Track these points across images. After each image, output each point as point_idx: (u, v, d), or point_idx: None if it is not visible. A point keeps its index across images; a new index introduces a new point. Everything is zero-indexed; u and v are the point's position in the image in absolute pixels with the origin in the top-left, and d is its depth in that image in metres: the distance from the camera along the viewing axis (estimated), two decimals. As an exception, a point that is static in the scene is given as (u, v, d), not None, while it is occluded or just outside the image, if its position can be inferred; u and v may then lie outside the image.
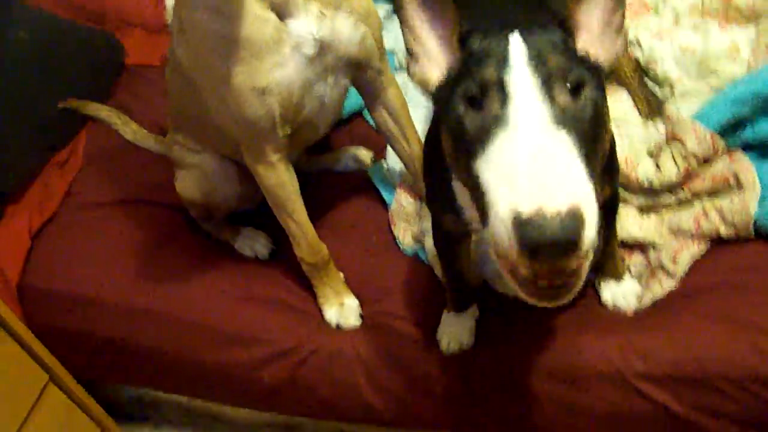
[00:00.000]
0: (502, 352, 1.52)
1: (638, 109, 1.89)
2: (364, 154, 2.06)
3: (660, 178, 1.60)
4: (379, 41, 1.57)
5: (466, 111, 0.91)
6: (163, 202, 2.01)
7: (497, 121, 0.85)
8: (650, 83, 1.92)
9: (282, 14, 1.38)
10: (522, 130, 0.82)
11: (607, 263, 1.52)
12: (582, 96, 0.88)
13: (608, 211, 1.41)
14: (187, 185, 1.82)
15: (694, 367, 1.37)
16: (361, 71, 1.58)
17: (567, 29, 0.97)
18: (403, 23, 1.02)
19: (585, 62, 0.96)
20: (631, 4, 2.09)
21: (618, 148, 1.67)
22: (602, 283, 1.55)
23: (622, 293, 1.53)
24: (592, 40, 0.99)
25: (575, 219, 0.75)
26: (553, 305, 0.85)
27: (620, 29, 0.99)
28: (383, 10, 2.29)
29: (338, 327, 1.67)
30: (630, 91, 1.92)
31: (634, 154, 1.67)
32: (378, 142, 2.02)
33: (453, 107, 0.93)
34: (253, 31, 1.35)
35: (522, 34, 0.92)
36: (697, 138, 1.57)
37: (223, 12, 1.34)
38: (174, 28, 1.51)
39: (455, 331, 1.55)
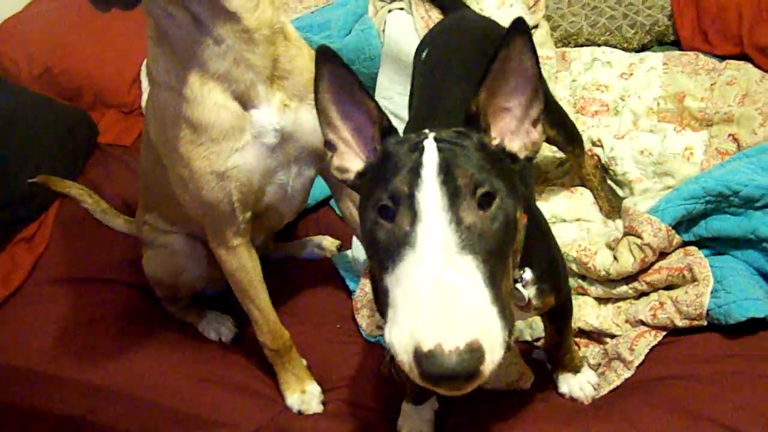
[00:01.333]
0: (462, 442, 1.52)
1: (600, 207, 1.96)
2: (330, 243, 2.10)
3: (617, 268, 1.64)
4: None
5: (378, 221, 0.92)
6: (129, 282, 2.02)
7: (406, 239, 0.87)
8: (611, 183, 1.99)
9: (245, 103, 1.41)
10: (428, 257, 0.84)
11: (563, 358, 1.54)
12: (492, 207, 0.90)
13: (558, 317, 1.44)
14: (154, 265, 1.83)
15: (650, 459, 1.38)
16: (326, 163, 1.61)
17: (479, 126, 1.00)
18: (319, 113, 1.04)
19: (500, 159, 0.99)
20: (591, 104, 2.18)
21: (576, 241, 1.72)
22: (559, 376, 1.58)
23: (579, 385, 1.55)
24: (507, 132, 1.02)
25: (474, 353, 0.77)
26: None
27: (537, 121, 1.01)
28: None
29: (300, 413, 1.66)
30: (592, 190, 1.99)
31: (592, 245, 1.72)
32: (344, 231, 2.07)
33: (367, 214, 0.94)
34: (213, 117, 1.38)
35: (437, 140, 0.95)
36: (653, 231, 1.62)
37: (186, 96, 1.37)
38: (148, 107, 1.55)
39: (415, 423, 1.54)
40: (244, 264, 1.57)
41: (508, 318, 0.85)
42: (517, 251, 0.97)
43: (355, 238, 1.94)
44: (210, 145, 1.40)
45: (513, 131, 1.02)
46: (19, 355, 1.85)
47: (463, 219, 0.87)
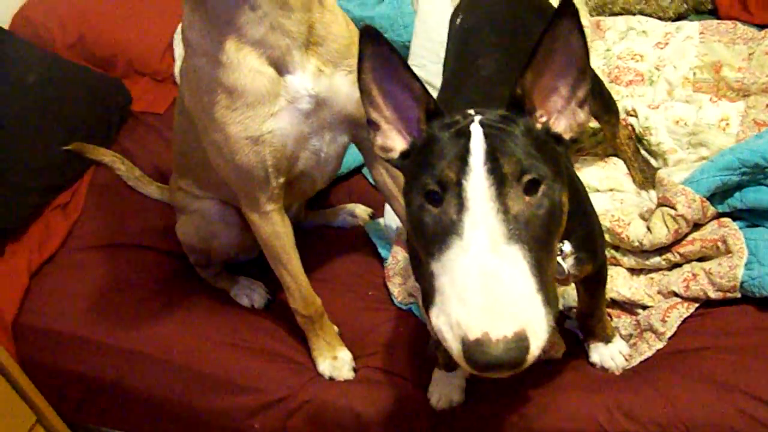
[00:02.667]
0: (491, 410, 1.53)
1: (633, 177, 1.94)
2: (362, 210, 2.10)
3: (650, 239, 1.63)
4: None
5: (425, 206, 0.92)
6: (163, 248, 2.05)
7: (453, 228, 0.88)
8: (645, 153, 1.97)
9: (280, 69, 1.42)
10: (475, 247, 0.85)
11: (595, 327, 1.55)
12: (538, 193, 0.90)
13: (594, 283, 1.43)
14: (187, 231, 1.84)
15: (680, 429, 1.38)
16: (360, 129, 1.60)
17: (525, 108, 0.99)
18: (363, 93, 1.04)
19: (546, 143, 0.98)
20: (626, 73, 2.15)
21: (610, 211, 1.71)
22: (591, 345, 1.58)
23: (610, 355, 1.56)
24: (554, 113, 1.01)
25: (520, 343, 0.79)
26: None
27: (584, 102, 1.01)
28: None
29: (331, 379, 1.68)
30: (625, 160, 1.98)
31: (625, 215, 1.71)
32: (376, 199, 2.06)
33: (413, 197, 0.95)
34: (248, 82, 1.39)
35: (483, 125, 0.94)
36: (687, 202, 1.61)
37: (221, 61, 1.38)
38: (183, 71, 1.56)
39: (445, 389, 1.56)
40: (277, 230, 1.58)
41: (552, 303, 0.86)
42: (560, 234, 0.98)
43: (387, 206, 1.94)
44: (245, 110, 1.41)
45: (559, 112, 1.01)
46: (54, 319, 1.88)
47: (510, 208, 0.88)
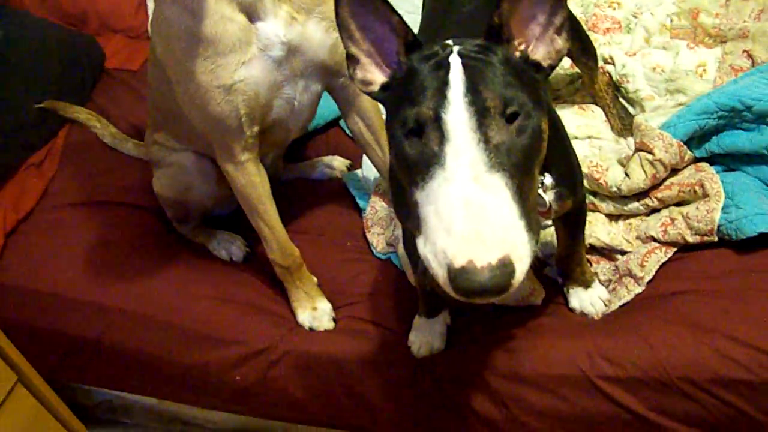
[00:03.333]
0: (472, 356, 1.54)
1: (611, 125, 1.94)
2: (340, 162, 2.09)
3: (628, 184, 1.64)
4: None
5: (407, 138, 0.93)
6: (140, 205, 2.03)
7: (436, 158, 0.89)
8: (623, 101, 1.97)
9: (251, 16, 1.40)
10: (458, 177, 0.86)
11: (574, 271, 1.56)
12: (519, 121, 0.91)
13: (573, 222, 1.45)
14: (164, 184, 1.83)
15: (659, 371, 1.39)
16: (334, 78, 1.60)
17: (503, 37, 0.99)
18: (340, 27, 1.04)
19: (524, 71, 0.99)
20: (603, 21, 2.14)
21: (588, 157, 1.71)
22: (570, 290, 1.59)
23: (589, 300, 1.57)
24: (531, 41, 1.02)
25: (504, 268, 0.81)
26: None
27: (561, 29, 1.01)
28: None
29: (311, 330, 1.68)
30: (603, 107, 1.97)
31: (604, 161, 1.71)
32: (354, 151, 2.06)
33: (395, 130, 0.96)
34: (219, 30, 1.37)
35: (462, 56, 0.95)
36: (665, 146, 1.61)
37: (192, 9, 1.36)
38: (153, 23, 1.53)
39: (426, 336, 1.57)
40: (252, 180, 1.57)
41: (534, 229, 0.88)
42: (542, 161, 0.99)
43: (365, 157, 1.93)
44: (216, 58, 1.39)
45: (537, 39, 1.02)
46: (32, 277, 1.86)
47: (491, 138, 0.89)
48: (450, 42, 1.00)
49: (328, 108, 1.91)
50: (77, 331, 1.80)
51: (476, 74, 0.92)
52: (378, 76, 1.06)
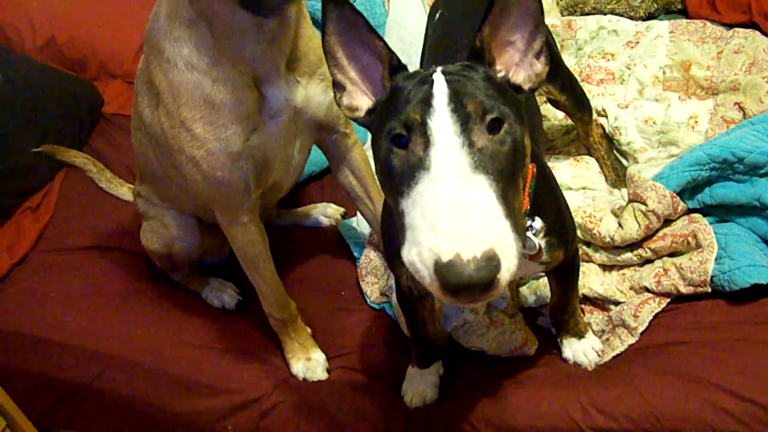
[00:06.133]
0: (465, 407, 1.52)
1: (605, 176, 1.95)
2: (334, 210, 2.10)
3: (621, 235, 1.64)
4: None
5: (392, 149, 0.95)
6: (134, 250, 2.03)
7: (421, 163, 0.90)
8: (616, 154, 1.98)
9: (263, 83, 1.40)
10: (442, 177, 0.87)
11: (568, 322, 1.56)
12: (501, 132, 0.93)
13: (566, 275, 1.45)
14: (149, 237, 1.84)
15: (652, 423, 1.38)
16: (326, 134, 1.62)
17: (485, 60, 1.03)
18: (327, 54, 1.06)
19: (506, 90, 1.02)
20: (597, 72, 2.17)
21: (581, 208, 1.72)
22: (563, 341, 1.59)
23: (582, 350, 1.57)
24: (512, 65, 1.05)
25: (490, 261, 0.81)
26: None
27: (540, 53, 1.04)
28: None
29: (305, 380, 1.67)
30: (597, 159, 1.99)
31: (597, 212, 1.72)
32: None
33: (380, 144, 0.98)
34: (237, 98, 1.37)
35: (445, 73, 0.98)
36: (658, 197, 1.62)
37: (213, 77, 1.36)
38: (140, 89, 1.53)
39: (419, 386, 1.56)
40: (252, 239, 1.58)
41: (519, 232, 0.89)
42: (526, 175, 1.01)
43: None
44: (230, 125, 1.39)
45: (517, 64, 1.05)
46: (25, 322, 1.86)
47: (474, 142, 0.91)
48: (434, 66, 1.02)
49: (322, 155, 1.91)
50: (69, 376, 1.79)
51: (459, 86, 0.95)
52: (364, 102, 1.08)
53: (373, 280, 1.84)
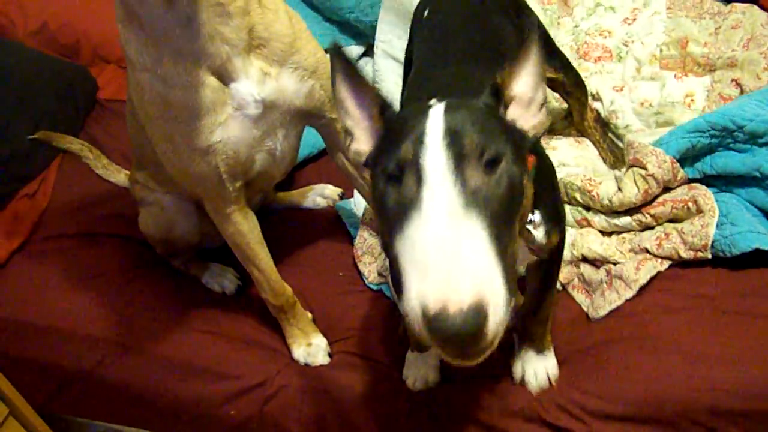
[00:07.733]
0: (468, 388, 1.52)
1: (603, 158, 1.94)
2: (332, 191, 2.09)
3: (620, 198, 1.63)
4: (330, 91, 1.59)
5: (386, 188, 0.93)
6: (133, 236, 2.02)
7: (413, 203, 0.88)
8: (612, 136, 1.98)
9: (223, 77, 1.37)
10: (432, 217, 0.85)
11: (536, 331, 1.48)
12: (497, 170, 0.90)
13: (549, 262, 1.38)
14: (147, 223, 1.83)
15: (653, 406, 1.38)
16: (314, 120, 1.59)
17: (501, 97, 1.01)
18: (338, 104, 1.07)
19: (511, 130, 1.00)
20: (594, 49, 2.16)
21: (582, 173, 1.71)
22: (521, 353, 1.51)
23: (534, 369, 1.49)
24: (521, 110, 1.03)
25: (478, 312, 0.78)
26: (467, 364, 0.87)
27: (541, 106, 1.03)
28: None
29: (306, 365, 1.67)
30: (594, 143, 1.98)
31: (597, 176, 1.72)
32: (346, 178, 2.05)
33: (377, 183, 0.96)
34: (191, 95, 1.34)
35: (447, 106, 0.96)
36: (658, 162, 1.61)
37: (161, 76, 1.33)
38: (127, 79, 1.51)
39: (420, 370, 1.55)
40: (240, 229, 1.57)
41: (512, 287, 0.85)
42: (524, 217, 0.99)
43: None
44: (190, 122, 1.37)
45: (524, 110, 1.04)
46: (26, 309, 1.86)
47: (468, 181, 0.88)
48: (433, 101, 1.01)
49: (319, 136, 1.91)
50: (70, 363, 1.79)
51: (457, 120, 0.93)
52: (367, 146, 1.08)
53: (370, 260, 1.84)
